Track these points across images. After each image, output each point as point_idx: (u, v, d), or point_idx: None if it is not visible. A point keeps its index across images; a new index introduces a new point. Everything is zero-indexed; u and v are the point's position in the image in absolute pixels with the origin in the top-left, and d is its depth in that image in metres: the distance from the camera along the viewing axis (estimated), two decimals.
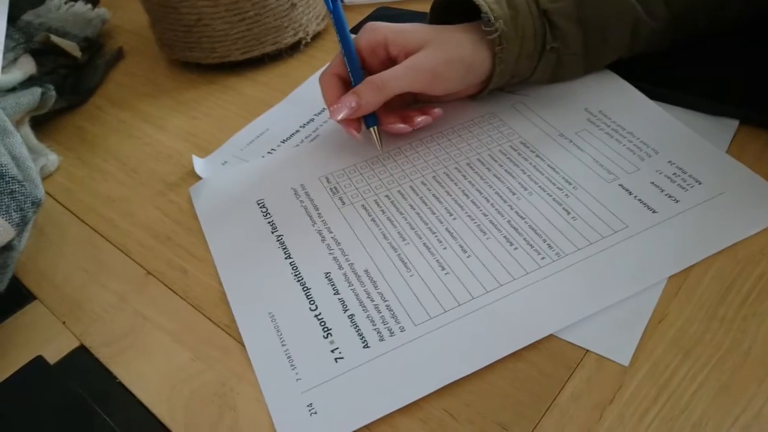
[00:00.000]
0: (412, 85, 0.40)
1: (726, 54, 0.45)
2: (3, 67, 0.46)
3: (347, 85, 0.42)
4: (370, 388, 0.30)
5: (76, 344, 0.34)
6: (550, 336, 0.31)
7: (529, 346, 0.30)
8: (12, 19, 0.53)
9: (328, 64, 0.42)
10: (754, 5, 0.44)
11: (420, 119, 0.42)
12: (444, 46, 0.40)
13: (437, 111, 0.42)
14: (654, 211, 0.36)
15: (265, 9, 0.51)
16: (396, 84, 0.39)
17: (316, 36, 0.57)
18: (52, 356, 0.33)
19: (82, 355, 0.33)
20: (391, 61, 0.41)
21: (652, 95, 0.43)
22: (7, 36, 0.47)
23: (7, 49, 0.47)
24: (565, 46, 0.42)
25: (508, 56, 0.40)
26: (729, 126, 0.41)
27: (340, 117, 0.39)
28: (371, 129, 0.42)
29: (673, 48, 0.45)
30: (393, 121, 0.42)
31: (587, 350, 0.30)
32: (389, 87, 0.39)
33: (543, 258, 0.34)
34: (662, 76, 0.44)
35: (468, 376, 0.29)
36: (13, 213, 0.36)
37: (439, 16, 0.45)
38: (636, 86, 0.44)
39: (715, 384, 0.28)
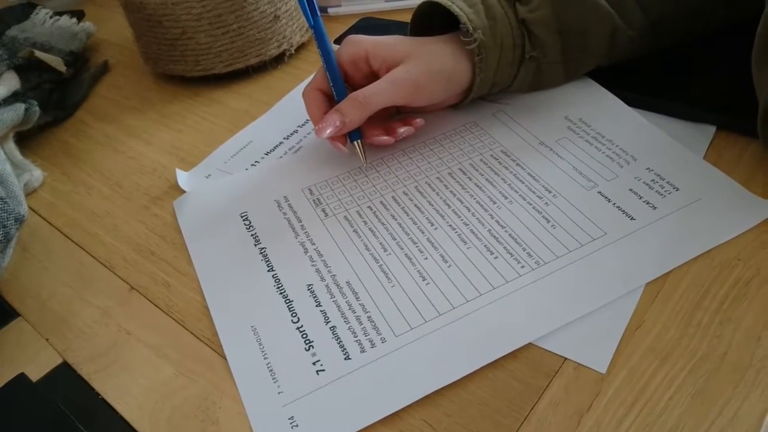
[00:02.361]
0: (395, 99, 0.40)
1: (703, 60, 0.45)
2: None
3: (330, 99, 0.42)
4: (351, 400, 0.30)
5: (59, 361, 0.34)
6: (529, 344, 0.31)
7: (507, 354, 0.31)
8: None
9: (311, 78, 0.42)
10: (731, 15, 0.44)
11: (403, 130, 0.42)
12: (424, 58, 0.41)
13: (419, 121, 0.43)
14: (632, 218, 0.36)
15: (248, 22, 0.52)
16: (379, 99, 0.40)
17: (300, 47, 0.57)
18: (35, 373, 0.33)
19: (65, 372, 0.33)
20: (373, 74, 0.42)
21: (631, 102, 0.44)
22: None
23: None
24: (544, 55, 0.42)
25: (488, 66, 0.41)
26: (706, 132, 0.41)
27: (325, 135, 0.40)
28: (355, 143, 0.42)
29: (651, 55, 0.45)
30: (376, 133, 0.42)
31: (565, 358, 0.30)
32: (372, 103, 0.40)
33: (522, 266, 0.35)
34: (640, 83, 0.45)
35: (448, 385, 0.30)
36: None
37: (420, 26, 0.45)
38: (615, 93, 0.45)
39: (691, 389, 0.28)
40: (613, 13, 0.42)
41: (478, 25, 0.40)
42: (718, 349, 0.30)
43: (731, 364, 0.29)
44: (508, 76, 0.43)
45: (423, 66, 0.40)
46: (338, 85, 0.41)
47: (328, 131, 0.40)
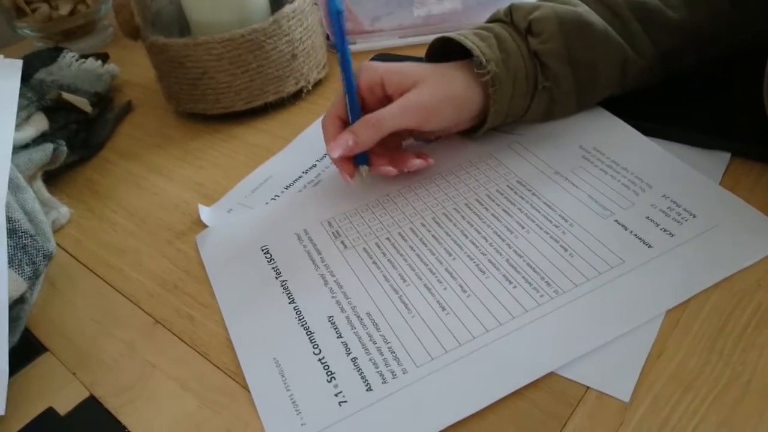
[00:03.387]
0: (407, 122, 0.41)
1: (716, 87, 0.46)
2: (16, 125, 0.48)
3: (347, 126, 0.43)
4: (373, 431, 0.30)
5: (86, 395, 0.35)
6: (551, 374, 0.31)
7: (529, 384, 0.31)
8: (25, 78, 0.55)
9: (330, 107, 0.43)
10: (740, 40, 0.45)
11: (416, 162, 0.43)
12: (437, 83, 0.42)
13: (431, 161, 0.44)
14: (650, 246, 0.37)
15: (267, 61, 0.53)
16: (391, 121, 0.41)
17: (317, 84, 0.59)
18: (63, 407, 0.34)
19: (92, 406, 0.34)
20: (387, 100, 0.43)
21: (644, 131, 0.44)
22: (21, 95, 0.49)
23: (20, 108, 0.49)
24: (557, 85, 0.43)
25: (502, 97, 0.42)
26: (721, 159, 0.42)
27: (336, 155, 0.40)
28: (361, 167, 0.43)
29: (663, 82, 0.46)
30: (382, 162, 0.43)
31: (588, 387, 0.30)
32: (385, 125, 0.40)
33: (542, 296, 0.35)
34: (654, 111, 0.46)
35: (470, 415, 0.30)
36: (26, 266, 0.37)
37: (435, 55, 0.46)
38: (628, 122, 0.45)
39: (716, 418, 0.28)
40: (624, 45, 0.43)
41: (491, 58, 0.41)
42: (743, 376, 0.29)
43: (757, 391, 0.29)
44: (522, 106, 0.44)
45: (435, 91, 0.41)
46: (354, 108, 0.42)
47: (340, 150, 0.40)
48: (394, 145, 0.45)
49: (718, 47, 0.45)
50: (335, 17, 0.40)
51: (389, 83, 0.42)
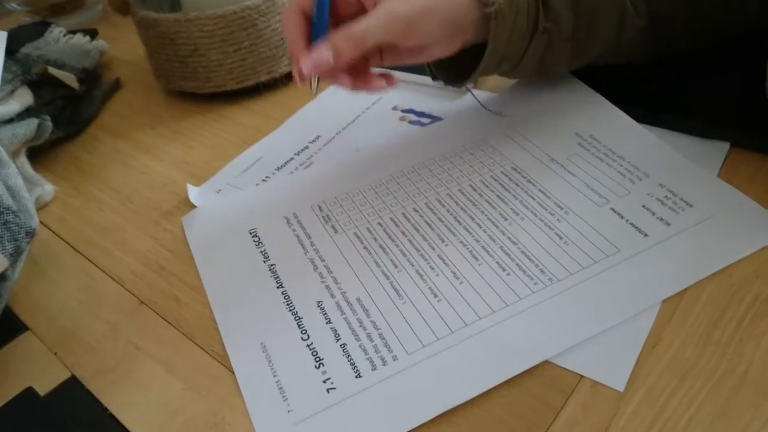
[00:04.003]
0: (386, 35, 0.37)
1: (715, 76, 0.45)
2: (0, 99, 0.46)
3: (311, 25, 0.38)
4: (362, 419, 0.30)
5: (67, 375, 0.34)
6: (545, 362, 0.30)
7: (523, 372, 0.30)
8: (11, 52, 0.54)
9: None
10: (734, 21, 0.44)
11: (379, 83, 0.39)
12: None
13: (395, 81, 0.39)
14: (645, 235, 0.36)
15: (260, 39, 0.52)
16: (374, 33, 0.36)
17: None
18: (43, 387, 0.33)
19: (73, 386, 0.33)
20: (359, 11, 0.38)
21: (642, 119, 0.44)
22: (5, 68, 0.48)
23: (4, 81, 0.48)
24: (557, 29, 0.41)
25: (502, 31, 0.39)
26: (720, 148, 0.41)
27: (309, 72, 0.36)
28: (312, 77, 0.38)
29: (663, 70, 0.45)
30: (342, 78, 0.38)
31: (582, 376, 0.30)
32: (369, 39, 0.36)
33: (536, 283, 0.34)
34: (653, 99, 0.45)
35: (462, 403, 0.29)
36: (7, 243, 0.36)
37: None
38: (625, 110, 0.44)
39: (712, 409, 0.28)
40: None
41: None
42: (739, 367, 0.29)
43: (753, 383, 0.28)
44: (519, 50, 0.41)
45: (420, 1, 0.37)
46: (324, 8, 0.38)
47: (313, 68, 0.36)
48: (360, 65, 0.39)
49: (710, 23, 0.44)
50: None
51: None
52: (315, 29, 0.38)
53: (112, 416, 0.31)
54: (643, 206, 0.38)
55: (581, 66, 0.45)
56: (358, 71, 0.39)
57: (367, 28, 0.36)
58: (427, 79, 0.52)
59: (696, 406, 0.28)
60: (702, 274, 0.33)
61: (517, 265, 0.36)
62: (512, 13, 0.39)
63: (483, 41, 0.40)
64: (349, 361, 0.32)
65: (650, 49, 0.44)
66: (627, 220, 0.37)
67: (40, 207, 0.46)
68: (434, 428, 0.29)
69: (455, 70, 0.44)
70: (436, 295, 0.35)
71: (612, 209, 0.38)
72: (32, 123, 0.47)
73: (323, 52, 0.36)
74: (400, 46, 0.38)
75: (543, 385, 0.30)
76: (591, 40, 0.43)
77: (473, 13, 0.39)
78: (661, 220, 0.37)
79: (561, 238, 0.37)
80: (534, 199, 0.40)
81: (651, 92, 0.46)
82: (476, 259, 0.36)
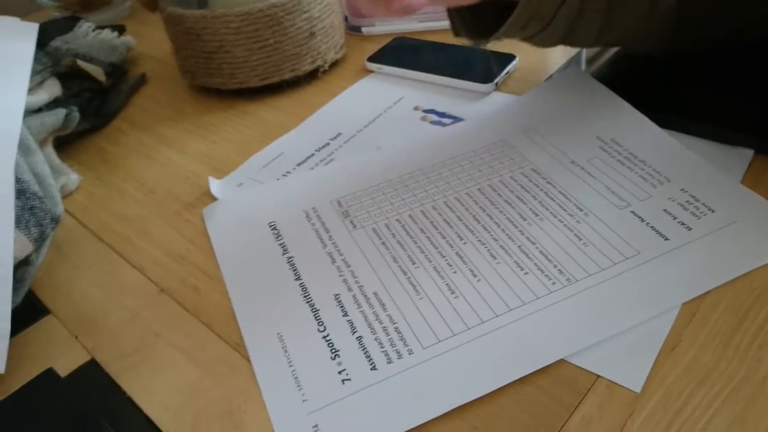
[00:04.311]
0: None
1: (739, 82, 0.45)
2: (30, 89, 0.47)
3: None
4: (376, 411, 0.30)
5: (87, 358, 0.34)
6: (561, 361, 0.30)
7: (538, 370, 0.30)
8: (41, 45, 0.55)
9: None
10: (759, 13, 0.43)
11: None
12: None
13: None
14: (666, 239, 0.36)
15: (284, 37, 0.53)
16: None
17: (334, 64, 0.58)
18: (64, 370, 0.34)
19: (92, 370, 0.33)
20: None
21: (665, 124, 0.43)
22: (35, 60, 0.49)
23: (34, 72, 0.49)
24: None
25: None
26: (744, 155, 0.41)
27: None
28: None
29: (684, 73, 0.44)
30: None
31: (598, 376, 0.30)
32: None
33: (554, 283, 0.34)
34: (675, 104, 0.45)
35: (476, 399, 0.29)
36: (32, 228, 0.37)
37: None
38: (648, 115, 0.44)
39: (730, 414, 0.27)
40: None
41: None
42: (759, 372, 0.29)
43: None
44: (551, 8, 0.38)
45: None
46: None
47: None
48: None
49: (737, 17, 0.43)
50: None
51: None
52: None
53: (129, 400, 0.32)
54: (665, 210, 0.38)
55: (607, 44, 0.43)
56: None
57: None
58: (449, 80, 0.53)
59: (713, 411, 0.27)
60: (722, 279, 0.33)
61: (535, 264, 0.35)
62: None
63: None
64: (364, 353, 0.32)
65: (675, 41, 0.43)
66: (648, 224, 0.37)
67: (65, 195, 0.47)
68: (447, 423, 0.29)
69: (478, 28, 0.42)
70: (453, 292, 0.35)
71: (633, 212, 0.38)
72: (60, 113, 0.48)
73: None
74: None
75: (558, 384, 0.29)
76: (621, 15, 0.41)
77: None
78: (683, 224, 0.37)
79: (580, 239, 0.37)
80: (554, 201, 0.40)
81: (674, 97, 0.45)
82: (494, 257, 0.36)
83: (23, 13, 0.79)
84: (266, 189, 0.45)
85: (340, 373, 0.32)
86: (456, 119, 0.49)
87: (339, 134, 0.49)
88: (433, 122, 0.49)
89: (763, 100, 0.43)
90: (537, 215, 0.39)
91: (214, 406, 0.31)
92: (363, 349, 0.32)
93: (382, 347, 0.32)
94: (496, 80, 0.51)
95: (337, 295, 0.36)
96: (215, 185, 0.45)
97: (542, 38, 0.41)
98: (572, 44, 0.44)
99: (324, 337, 0.34)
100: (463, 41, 0.43)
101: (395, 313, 0.34)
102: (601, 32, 0.42)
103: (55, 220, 0.39)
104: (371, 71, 0.57)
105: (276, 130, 0.51)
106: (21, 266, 0.36)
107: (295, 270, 0.38)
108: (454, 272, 0.36)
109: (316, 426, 0.29)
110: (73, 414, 0.31)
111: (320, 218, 0.41)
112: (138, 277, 0.39)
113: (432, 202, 0.41)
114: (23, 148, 0.40)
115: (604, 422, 0.28)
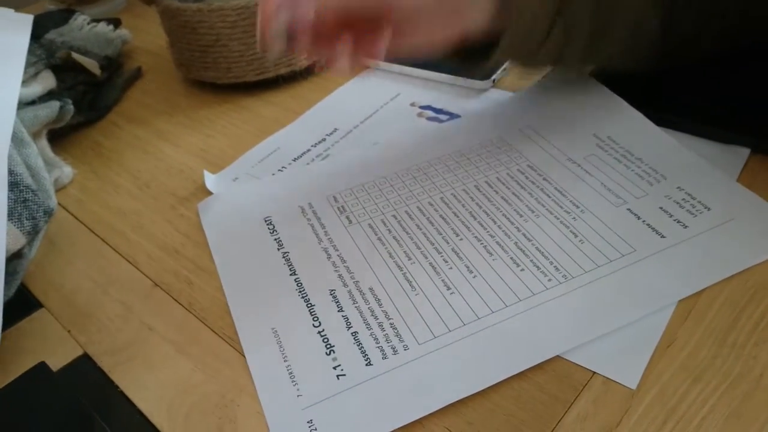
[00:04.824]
0: None
1: (736, 81, 0.45)
2: (24, 81, 0.47)
3: None
4: (371, 406, 0.29)
5: (80, 352, 0.34)
6: (556, 357, 0.30)
7: (534, 366, 0.30)
8: (35, 37, 0.55)
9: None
10: (754, 28, 0.43)
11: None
12: None
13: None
14: (662, 236, 0.36)
15: None
16: None
17: None
18: (56, 364, 0.33)
19: (85, 364, 0.33)
20: None
21: (661, 122, 0.43)
22: (30, 52, 0.48)
23: (28, 64, 0.48)
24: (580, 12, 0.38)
25: (529, 4, 0.35)
26: (740, 154, 0.41)
27: (280, 25, 0.29)
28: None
29: (681, 72, 0.44)
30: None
31: (594, 372, 0.30)
32: None
33: (550, 280, 0.34)
34: (672, 103, 0.45)
35: (471, 395, 0.29)
36: (25, 221, 0.36)
37: None
38: (645, 113, 0.44)
39: (726, 410, 0.27)
40: None
41: None
42: (754, 370, 0.29)
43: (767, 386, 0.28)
44: (541, 31, 0.37)
45: None
46: None
47: (286, 20, 0.29)
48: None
49: (726, 21, 0.42)
50: None
51: None
52: None
53: (122, 394, 0.31)
54: (661, 208, 0.38)
55: (597, 64, 0.44)
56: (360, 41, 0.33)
57: None
58: (446, 77, 0.53)
59: (709, 407, 0.27)
60: (718, 277, 0.33)
61: (531, 261, 0.35)
62: None
63: (492, 29, 0.36)
64: (359, 348, 0.32)
65: (663, 58, 0.43)
66: (644, 221, 0.37)
67: (59, 189, 0.47)
68: (443, 418, 0.29)
69: (471, 61, 0.40)
70: (449, 288, 0.35)
71: (629, 210, 0.38)
72: (54, 106, 0.47)
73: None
74: (396, 3, 0.32)
75: (554, 380, 0.29)
76: (607, 39, 0.40)
77: None
78: (679, 222, 0.37)
79: (576, 236, 0.37)
80: (550, 197, 0.40)
81: (671, 96, 0.45)
82: (490, 254, 0.36)
83: (18, 5, 0.78)
84: (262, 184, 0.44)
85: (335, 368, 0.31)
86: (453, 116, 0.49)
87: (335, 130, 0.49)
88: (429, 118, 0.49)
89: (760, 99, 0.43)
90: (533, 212, 0.39)
91: (208, 401, 0.31)
92: (358, 345, 0.32)
93: (378, 343, 0.32)
94: (493, 77, 0.51)
95: (332, 290, 0.36)
96: (210, 179, 0.45)
97: (538, 60, 0.41)
98: (566, 64, 0.43)
99: (319, 332, 0.33)
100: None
101: (391, 309, 0.34)
102: (584, 60, 0.42)
103: (48, 213, 0.38)
104: (368, 67, 0.57)
105: (272, 125, 0.51)
106: (13, 259, 0.36)
107: (290, 265, 0.38)
108: (450, 268, 0.36)
109: (311, 421, 0.29)
110: (66, 408, 0.31)
111: (316, 214, 0.41)
112: (132, 271, 0.39)
113: (428, 198, 0.41)
114: (16, 140, 0.40)
115: (599, 418, 0.28)
